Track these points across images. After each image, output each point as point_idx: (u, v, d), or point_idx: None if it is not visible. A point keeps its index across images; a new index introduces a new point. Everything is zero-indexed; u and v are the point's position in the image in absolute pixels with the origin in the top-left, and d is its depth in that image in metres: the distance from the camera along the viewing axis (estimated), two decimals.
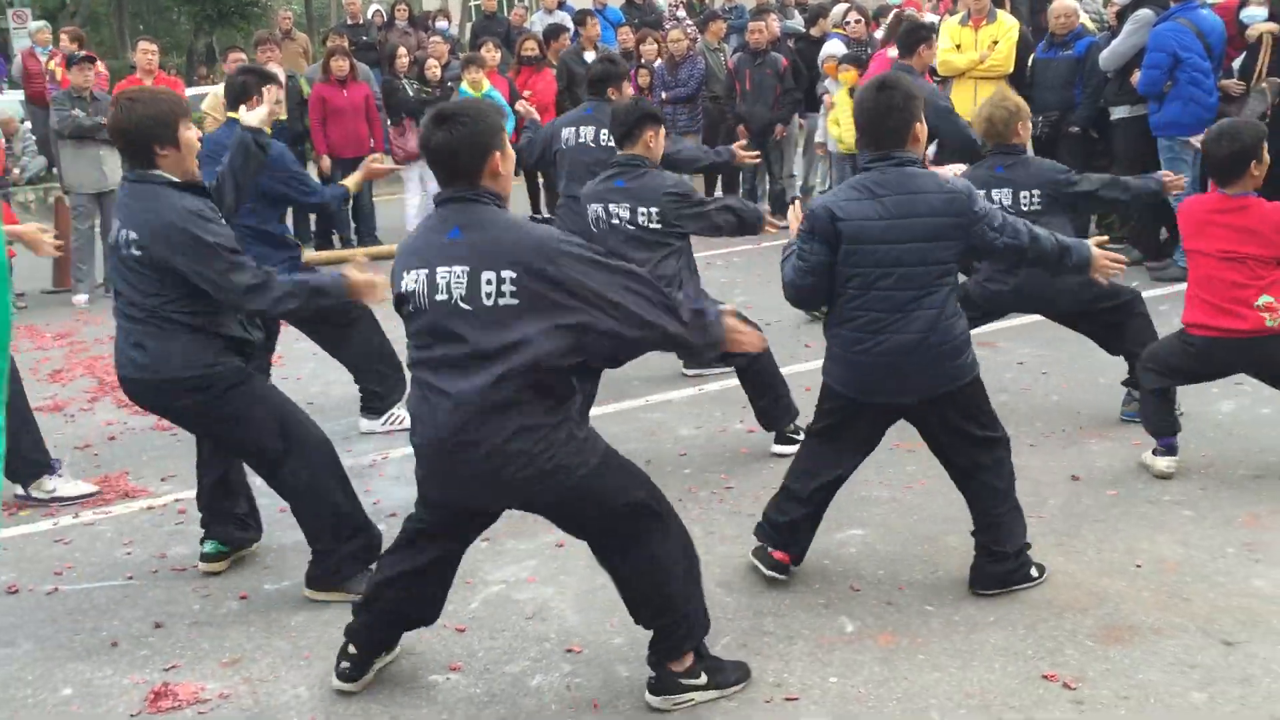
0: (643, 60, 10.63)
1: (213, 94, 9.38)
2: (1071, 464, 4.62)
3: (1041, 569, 3.69)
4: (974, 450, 3.58)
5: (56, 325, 8.22)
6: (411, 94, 10.43)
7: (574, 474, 2.90)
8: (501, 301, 2.79)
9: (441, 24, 13.82)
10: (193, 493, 4.85)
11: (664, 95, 10.29)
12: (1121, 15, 7.87)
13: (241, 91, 4.79)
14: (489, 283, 2.79)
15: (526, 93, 10.24)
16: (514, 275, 2.78)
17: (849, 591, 3.71)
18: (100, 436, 5.74)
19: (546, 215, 8.64)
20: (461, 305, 2.82)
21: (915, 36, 6.76)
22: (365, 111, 10.08)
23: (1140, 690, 3.08)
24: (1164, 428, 4.49)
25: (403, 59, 10.58)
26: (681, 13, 12.66)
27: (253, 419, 3.73)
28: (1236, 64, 7.31)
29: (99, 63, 9.30)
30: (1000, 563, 3.60)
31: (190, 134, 3.65)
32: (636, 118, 4.69)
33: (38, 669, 3.55)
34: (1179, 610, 3.47)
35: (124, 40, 28.81)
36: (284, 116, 5.15)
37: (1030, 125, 5.06)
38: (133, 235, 3.55)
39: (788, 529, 3.74)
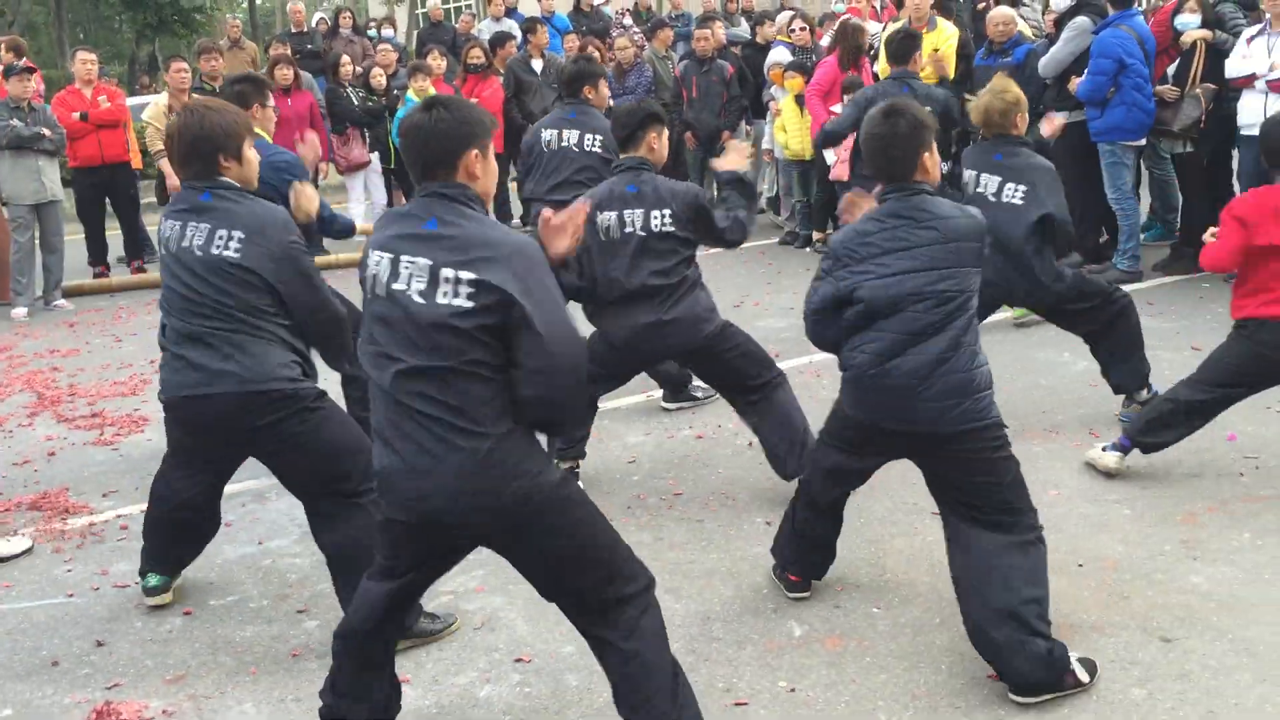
0: None
1: (154, 103, 9.27)
2: None
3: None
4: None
5: None
6: (356, 103, 10.37)
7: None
8: (455, 303, 2.62)
9: (388, 32, 13.75)
10: (137, 507, 4.81)
11: (611, 103, 10.30)
12: (1059, 23, 7.99)
13: (238, 101, 4.46)
14: (446, 280, 2.64)
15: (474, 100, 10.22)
16: (473, 278, 2.67)
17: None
18: (40, 453, 5.64)
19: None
20: (416, 300, 2.69)
21: (909, 45, 6.73)
22: (309, 120, 9.99)
23: (1081, 688, 3.13)
24: (1146, 437, 4.44)
25: (346, 67, 10.51)
26: (629, 20, 12.70)
27: (335, 441, 3.49)
28: (1171, 70, 7.45)
29: (38, 73, 9.13)
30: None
31: (253, 153, 3.53)
32: (640, 119, 4.44)
33: None
34: (1119, 608, 3.54)
35: (63, 49, 28.33)
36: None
37: (1027, 116, 5.03)
38: (237, 234, 3.33)
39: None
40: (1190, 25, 7.33)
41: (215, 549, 4.34)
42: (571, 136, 5.82)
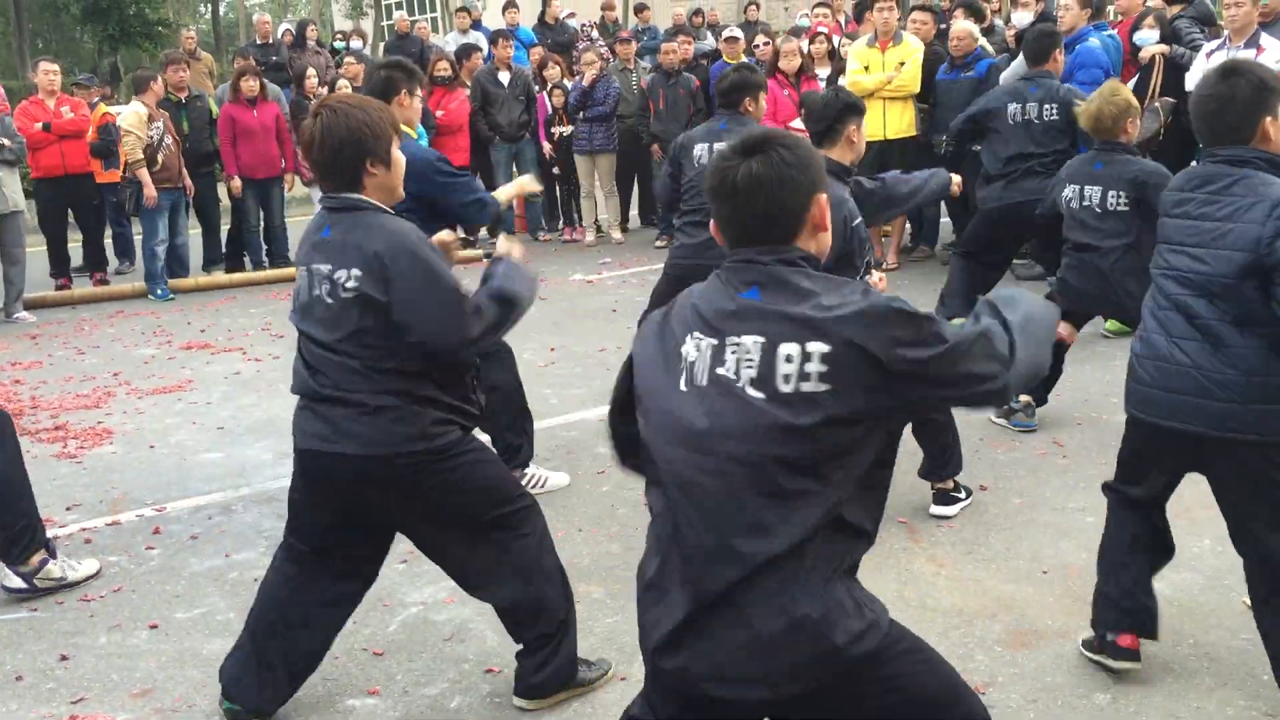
0: (549, 83, 10.71)
1: (134, 111, 9.17)
2: (979, 474, 4.73)
3: None
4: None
5: None
6: None
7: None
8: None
9: (356, 44, 13.72)
10: (101, 520, 4.77)
11: (581, 115, 10.36)
12: (1020, 38, 8.10)
13: (386, 88, 4.12)
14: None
15: (439, 112, 10.23)
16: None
17: None
18: None
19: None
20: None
21: (1049, 43, 6.50)
22: (276, 132, 9.96)
23: (1048, 693, 3.17)
24: None
25: (312, 79, 10.48)
26: (595, 34, 12.74)
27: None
28: (1130, 84, 7.56)
29: None
30: None
31: (400, 154, 3.02)
32: (839, 110, 4.00)
33: None
34: (1084, 614, 3.56)
35: (23, 59, 28.04)
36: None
37: (1139, 123, 4.94)
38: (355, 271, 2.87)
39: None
40: (1149, 41, 7.46)
41: (182, 562, 4.32)
42: None
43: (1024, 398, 5.18)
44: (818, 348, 1.91)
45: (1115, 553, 3.25)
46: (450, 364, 2.95)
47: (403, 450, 2.89)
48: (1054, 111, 6.10)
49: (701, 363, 2.02)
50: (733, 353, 1.98)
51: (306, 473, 3.08)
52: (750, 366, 1.96)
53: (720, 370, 1.99)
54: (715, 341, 2.01)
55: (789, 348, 1.93)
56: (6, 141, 8.61)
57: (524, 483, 4.42)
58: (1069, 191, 4.96)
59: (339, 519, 3.09)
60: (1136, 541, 3.23)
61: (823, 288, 1.98)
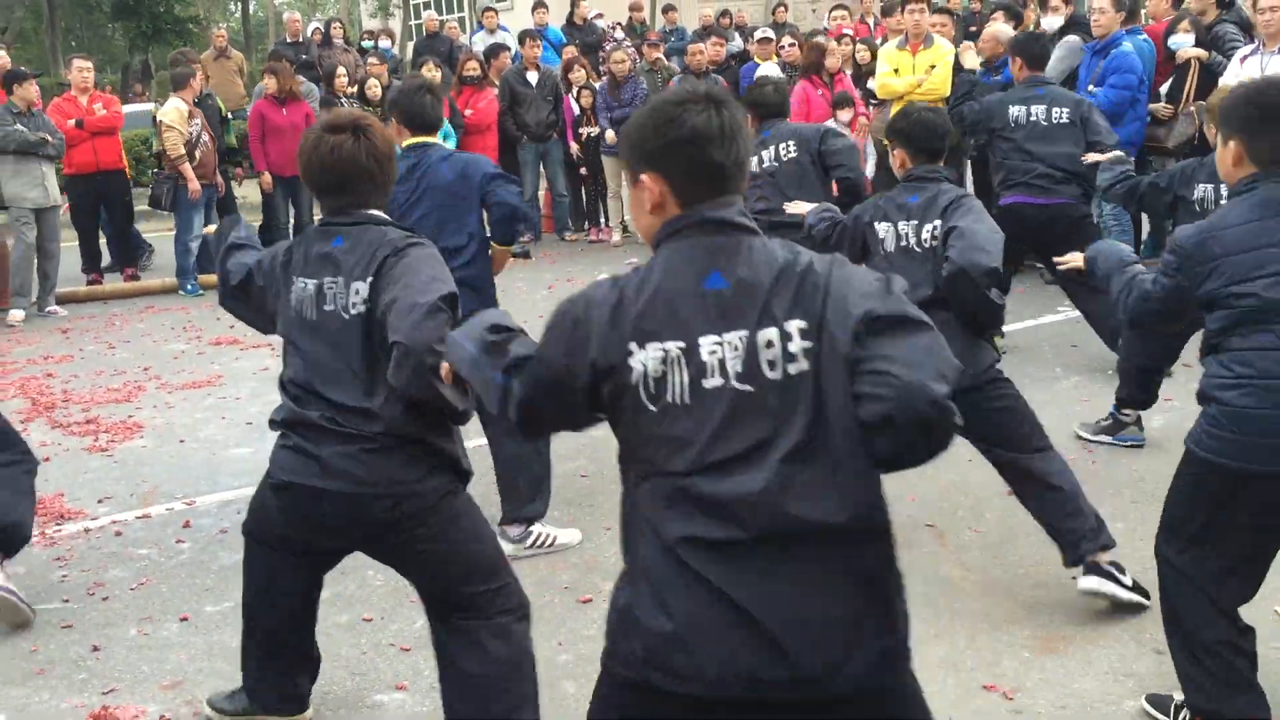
0: (574, 85, 10.73)
1: (174, 107, 9.23)
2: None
3: None
4: None
5: None
6: None
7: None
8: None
9: (384, 44, 13.79)
10: (132, 513, 4.82)
11: (610, 115, 10.37)
12: (1050, 41, 8.06)
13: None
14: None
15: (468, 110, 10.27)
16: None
17: None
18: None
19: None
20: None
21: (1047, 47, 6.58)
22: (305, 129, 10.01)
23: (1076, 699, 3.16)
24: None
25: (341, 77, 10.54)
26: (620, 34, 12.76)
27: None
28: (1164, 89, 7.52)
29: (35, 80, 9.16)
30: None
31: None
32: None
33: None
34: (1112, 620, 3.56)
35: (55, 57, 28.33)
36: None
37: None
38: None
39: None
40: (1184, 45, 7.40)
41: (211, 555, 4.35)
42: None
43: (1130, 411, 5.03)
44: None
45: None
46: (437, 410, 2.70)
47: (393, 491, 2.74)
48: (1063, 115, 5.98)
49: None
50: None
51: (287, 509, 2.89)
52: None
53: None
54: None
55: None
56: (49, 137, 8.70)
57: (530, 540, 4.27)
58: (1201, 190, 4.56)
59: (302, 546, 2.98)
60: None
61: None
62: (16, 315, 8.78)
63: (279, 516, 2.90)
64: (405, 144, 4.32)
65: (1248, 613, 3.32)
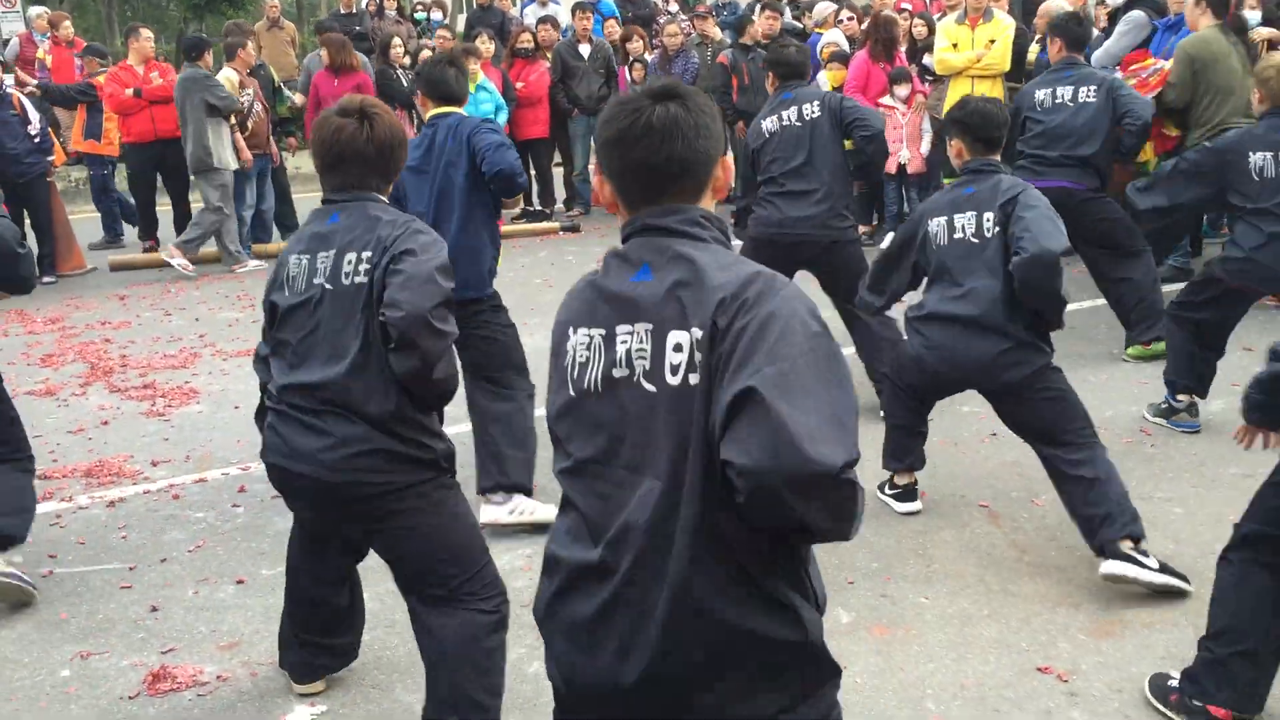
0: (631, 56, 10.67)
1: (225, 77, 9.34)
2: None
3: None
4: None
5: (47, 310, 8.18)
6: (406, 84, 10.41)
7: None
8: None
9: (436, 15, 13.78)
10: (189, 477, 4.89)
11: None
12: (1113, 16, 7.91)
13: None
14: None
15: (519, 84, 10.26)
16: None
17: (844, 584, 3.73)
18: (94, 421, 5.72)
19: None
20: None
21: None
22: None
23: (1132, 683, 3.12)
24: None
25: (396, 48, 10.56)
26: (674, 6, 12.67)
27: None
28: None
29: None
30: None
31: None
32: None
33: (34, 651, 3.56)
34: (1170, 605, 3.51)
35: (111, 26, 28.67)
36: None
37: None
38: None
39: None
40: (1252, 22, 7.22)
41: (266, 520, 4.41)
42: None
43: (1184, 396, 4.95)
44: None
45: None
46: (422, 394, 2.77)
47: (370, 479, 2.77)
48: (1090, 94, 5.84)
49: None
50: None
51: (286, 491, 2.99)
52: None
53: None
54: None
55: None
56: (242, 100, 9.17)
57: (511, 509, 4.25)
58: (1259, 158, 4.57)
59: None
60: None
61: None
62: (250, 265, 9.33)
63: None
64: (428, 115, 4.40)
65: None
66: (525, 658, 3.38)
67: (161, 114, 9.50)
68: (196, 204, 9.57)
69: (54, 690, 3.34)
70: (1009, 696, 3.09)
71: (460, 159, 4.20)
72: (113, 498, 4.73)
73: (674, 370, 1.69)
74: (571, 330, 1.83)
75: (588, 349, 1.79)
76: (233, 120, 9.17)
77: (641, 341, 1.74)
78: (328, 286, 2.79)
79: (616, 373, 1.75)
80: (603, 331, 1.78)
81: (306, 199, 9.60)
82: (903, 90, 8.67)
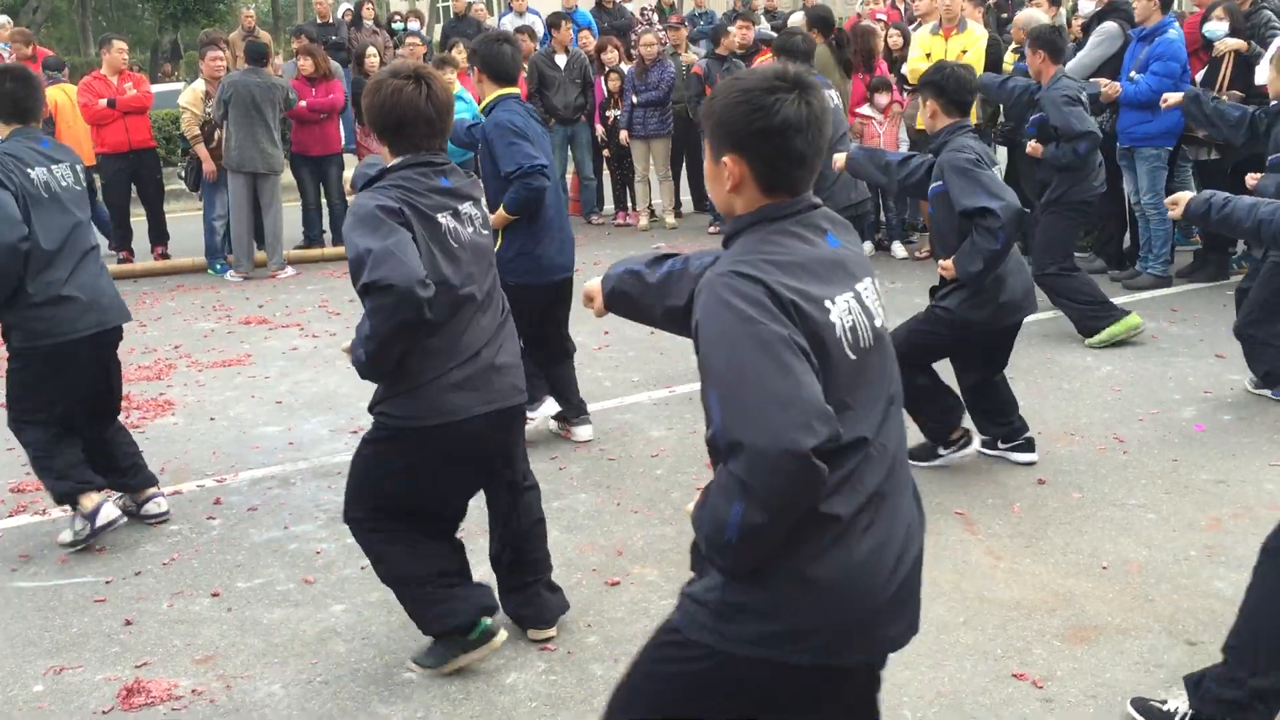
0: (607, 66, 10.70)
1: (191, 89, 9.29)
2: (1038, 467, 4.68)
3: None
4: None
5: None
6: None
7: None
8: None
9: (414, 25, 13.78)
10: (164, 490, 4.84)
11: (634, 99, 10.34)
12: (1086, 28, 7.98)
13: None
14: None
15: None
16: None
17: None
18: None
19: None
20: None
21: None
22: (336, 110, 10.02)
23: (1107, 689, 3.14)
24: None
25: (372, 58, 10.53)
26: (655, 17, 12.71)
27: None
28: (1199, 77, 7.43)
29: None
30: None
31: None
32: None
33: (7, 665, 3.52)
34: (1144, 611, 3.54)
35: (86, 36, 28.53)
36: None
37: None
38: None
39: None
40: (1218, 33, 7.30)
41: (242, 533, 4.39)
42: None
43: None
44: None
45: None
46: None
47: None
48: None
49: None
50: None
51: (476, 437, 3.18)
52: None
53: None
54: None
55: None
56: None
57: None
58: None
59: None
60: None
61: None
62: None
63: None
64: (491, 96, 4.65)
65: None
66: (503, 668, 3.37)
67: (135, 124, 9.45)
68: (171, 215, 9.51)
69: (27, 705, 3.31)
70: (985, 703, 3.11)
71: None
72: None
73: (878, 314, 2.03)
74: (829, 302, 1.91)
75: (849, 312, 1.94)
76: (196, 131, 9.15)
77: (875, 293, 2.04)
78: (473, 230, 3.21)
79: (878, 323, 2.01)
80: (851, 293, 1.96)
81: (289, 206, 9.57)
82: (882, 99, 8.73)
